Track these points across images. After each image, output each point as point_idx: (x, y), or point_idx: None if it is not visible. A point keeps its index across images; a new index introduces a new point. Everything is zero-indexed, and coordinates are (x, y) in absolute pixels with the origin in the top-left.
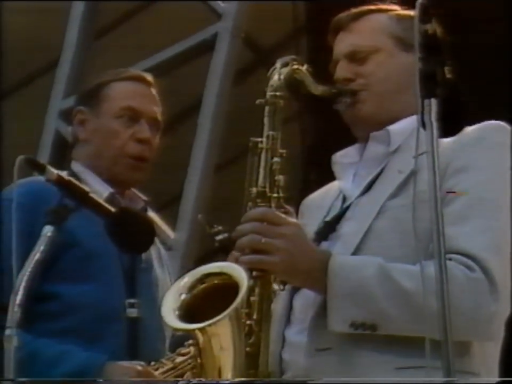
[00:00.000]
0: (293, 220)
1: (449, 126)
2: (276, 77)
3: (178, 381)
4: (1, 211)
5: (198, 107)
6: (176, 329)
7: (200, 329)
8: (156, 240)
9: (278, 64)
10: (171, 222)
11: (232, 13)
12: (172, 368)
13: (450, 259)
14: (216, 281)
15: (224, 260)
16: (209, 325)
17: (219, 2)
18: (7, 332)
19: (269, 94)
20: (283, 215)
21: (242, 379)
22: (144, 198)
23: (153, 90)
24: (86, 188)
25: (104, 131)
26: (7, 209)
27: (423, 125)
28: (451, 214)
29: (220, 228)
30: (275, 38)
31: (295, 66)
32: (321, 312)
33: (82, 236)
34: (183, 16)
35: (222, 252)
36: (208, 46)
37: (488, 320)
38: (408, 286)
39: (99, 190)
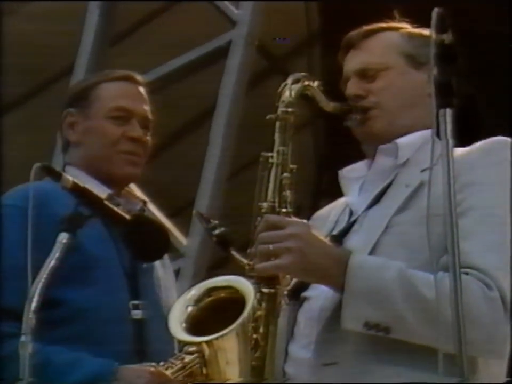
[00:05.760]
0: (298, 219)
1: (465, 136)
2: (287, 93)
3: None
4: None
5: (211, 113)
6: (182, 342)
7: (207, 342)
8: None
9: (289, 80)
10: (184, 228)
11: (247, 21)
12: (182, 368)
13: (466, 273)
14: (223, 295)
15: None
16: (216, 338)
17: (233, 10)
18: (22, 338)
19: (280, 110)
20: (286, 218)
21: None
22: (141, 198)
23: (142, 89)
24: (101, 195)
25: (95, 131)
26: (6, 215)
27: (438, 134)
28: (462, 228)
29: (216, 222)
30: (288, 46)
31: (306, 83)
32: (328, 326)
33: (82, 240)
34: (197, 24)
35: (219, 246)
36: (222, 53)
37: (503, 338)
38: (427, 293)
39: (97, 192)
